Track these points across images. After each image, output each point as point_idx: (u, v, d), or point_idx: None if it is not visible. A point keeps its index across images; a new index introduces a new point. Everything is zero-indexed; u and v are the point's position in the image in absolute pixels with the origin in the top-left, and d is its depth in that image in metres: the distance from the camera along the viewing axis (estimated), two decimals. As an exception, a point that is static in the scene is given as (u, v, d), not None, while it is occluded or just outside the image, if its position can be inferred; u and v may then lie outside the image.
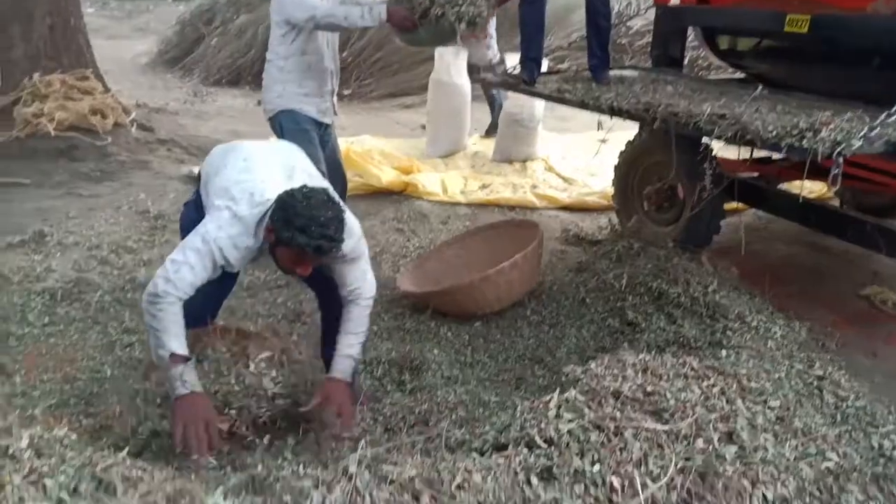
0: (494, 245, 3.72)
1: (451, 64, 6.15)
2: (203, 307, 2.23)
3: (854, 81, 3.15)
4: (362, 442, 1.68)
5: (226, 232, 2.06)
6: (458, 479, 1.45)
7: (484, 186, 5.54)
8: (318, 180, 2.31)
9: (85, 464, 1.36)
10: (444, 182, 5.46)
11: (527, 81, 3.82)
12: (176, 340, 2.04)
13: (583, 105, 3.48)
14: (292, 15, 3.25)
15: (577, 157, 6.36)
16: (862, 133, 2.35)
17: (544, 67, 4.52)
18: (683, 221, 3.92)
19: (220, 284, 2.24)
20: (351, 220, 2.21)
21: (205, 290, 2.12)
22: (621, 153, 4.38)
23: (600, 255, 3.64)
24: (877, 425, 2.32)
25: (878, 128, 2.39)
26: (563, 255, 4.26)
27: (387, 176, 5.41)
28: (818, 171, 3.95)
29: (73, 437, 1.55)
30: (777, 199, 3.91)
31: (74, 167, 5.55)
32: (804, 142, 2.38)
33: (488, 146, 6.52)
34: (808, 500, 1.89)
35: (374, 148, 6.06)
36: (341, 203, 2.12)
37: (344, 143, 5.71)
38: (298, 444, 2.07)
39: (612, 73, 4.07)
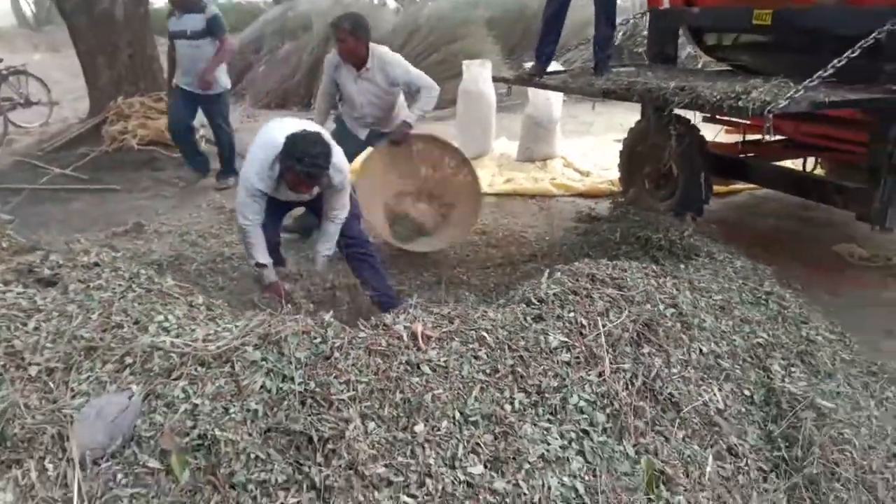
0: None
1: (479, 75, 6.96)
2: (272, 227, 3.37)
3: (810, 63, 3.78)
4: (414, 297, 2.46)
5: (253, 170, 3.06)
6: (479, 314, 2.21)
7: (508, 181, 6.30)
8: (316, 128, 3.20)
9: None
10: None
11: (536, 75, 4.56)
12: (259, 253, 3.20)
13: (581, 91, 4.23)
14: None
15: (596, 155, 7.09)
16: (788, 94, 3.05)
17: (557, 67, 5.27)
18: (678, 194, 4.62)
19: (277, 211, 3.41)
20: (340, 159, 3.16)
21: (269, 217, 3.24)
22: (625, 138, 5.11)
23: (602, 221, 4.36)
24: (808, 323, 2.98)
25: (802, 91, 3.08)
26: (576, 229, 4.98)
27: (423, 172, 6.20)
28: (805, 148, 4.64)
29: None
30: (756, 170, 4.58)
31: (156, 175, 6.49)
32: (739, 102, 3.08)
33: (512, 148, 7.29)
34: (740, 362, 2.58)
35: (411, 150, 6.86)
36: (331, 143, 3.05)
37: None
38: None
39: (614, 70, 4.79)
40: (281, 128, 3.11)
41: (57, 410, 1.82)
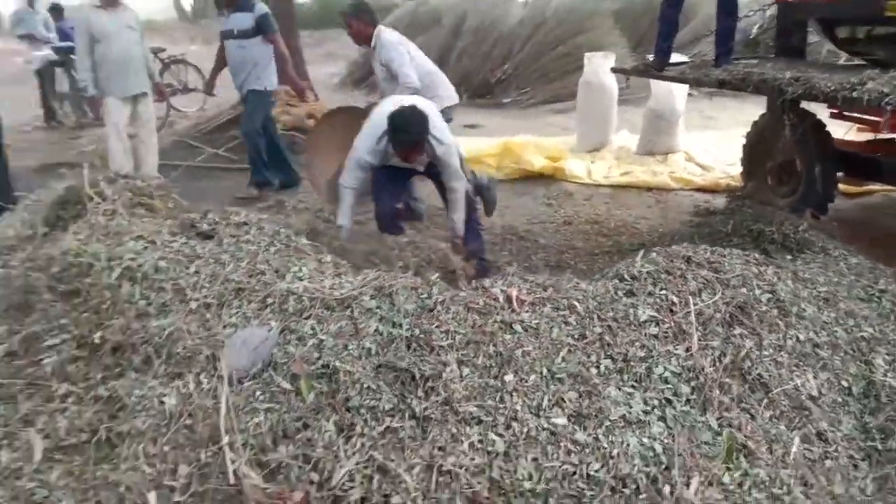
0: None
1: (600, 67, 7.00)
2: (392, 196, 3.91)
3: None
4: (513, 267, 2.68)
5: (363, 145, 3.53)
6: (571, 284, 2.39)
7: (625, 173, 6.32)
8: (420, 103, 3.55)
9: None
10: (589, 168, 6.32)
11: (655, 68, 4.61)
12: (343, 215, 3.71)
13: (697, 82, 4.24)
14: None
15: (719, 150, 6.93)
16: (909, 86, 2.95)
17: (676, 59, 5.25)
18: (800, 190, 4.50)
19: (396, 182, 3.89)
20: (440, 131, 3.52)
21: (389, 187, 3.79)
22: (748, 132, 5.01)
23: (717, 214, 4.34)
24: (924, 324, 2.88)
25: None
26: (690, 222, 4.96)
27: (539, 162, 6.37)
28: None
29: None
30: (889, 170, 4.36)
31: (296, 158, 7.07)
32: (854, 93, 3.01)
33: (633, 141, 7.26)
34: (840, 354, 2.57)
35: (530, 141, 7.04)
36: (430, 116, 3.41)
37: (503, 140, 6.80)
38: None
39: (735, 62, 4.73)
40: (389, 107, 3.53)
41: (211, 337, 2.21)
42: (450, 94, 4.50)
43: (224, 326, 2.24)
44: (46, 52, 8.87)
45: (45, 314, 2.45)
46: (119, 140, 5.26)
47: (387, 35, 4.37)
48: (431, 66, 4.51)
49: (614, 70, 6.00)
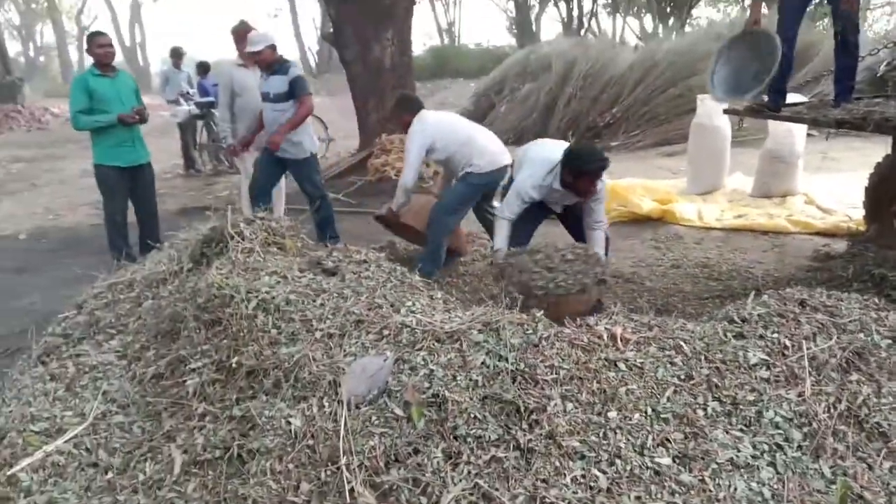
0: None
1: (713, 109, 6.89)
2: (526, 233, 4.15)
3: None
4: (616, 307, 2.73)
5: (529, 182, 3.84)
6: (678, 325, 2.41)
7: (739, 216, 6.14)
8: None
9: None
10: (700, 210, 6.20)
11: (771, 108, 4.52)
12: (499, 240, 3.96)
13: (814, 122, 4.11)
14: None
15: (842, 193, 6.59)
16: None
17: (794, 98, 5.10)
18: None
19: (532, 222, 4.16)
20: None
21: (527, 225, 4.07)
22: (872, 173, 4.78)
23: (837, 258, 4.16)
24: None
25: None
26: (809, 267, 4.76)
27: (647, 205, 6.33)
28: None
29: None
30: None
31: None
32: None
33: (747, 184, 7.05)
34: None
35: (637, 183, 7.01)
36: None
37: (611, 182, 6.81)
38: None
39: (856, 100, 4.54)
40: (549, 147, 4.02)
41: (333, 364, 2.41)
42: (491, 160, 4.51)
43: (345, 355, 2.44)
44: (189, 107, 9.85)
45: (189, 340, 2.76)
46: (252, 186, 5.76)
47: (415, 123, 4.55)
48: (467, 136, 4.58)
49: (727, 112, 5.89)
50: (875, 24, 21.85)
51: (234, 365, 2.56)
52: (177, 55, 10.47)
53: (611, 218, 6.26)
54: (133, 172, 5.09)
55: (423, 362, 2.33)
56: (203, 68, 10.20)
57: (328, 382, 2.33)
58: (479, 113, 13.46)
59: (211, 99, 9.57)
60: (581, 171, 3.62)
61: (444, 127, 4.60)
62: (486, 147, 4.58)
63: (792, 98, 5.25)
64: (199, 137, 10.06)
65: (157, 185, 5.64)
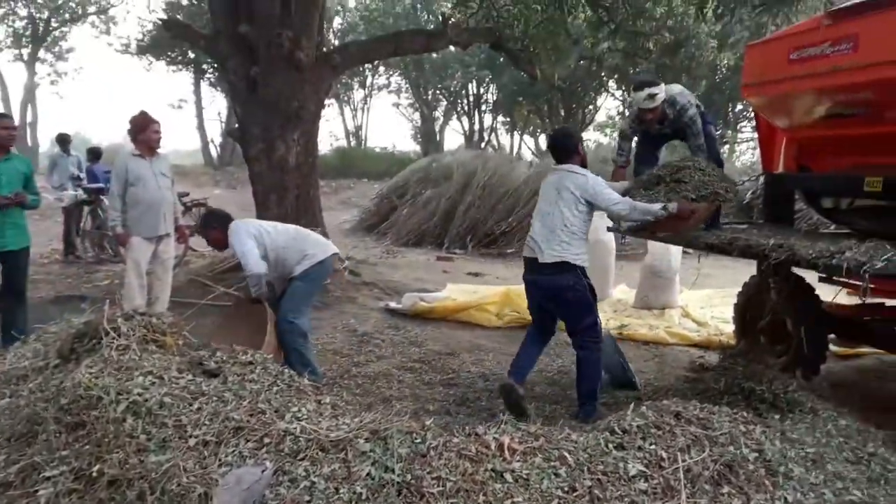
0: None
1: (599, 225, 7.35)
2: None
3: None
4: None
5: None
6: (563, 435, 2.45)
7: (622, 326, 6.46)
8: None
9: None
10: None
11: (648, 230, 4.87)
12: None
13: (688, 244, 4.47)
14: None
15: (716, 307, 7.12)
16: (886, 256, 3.14)
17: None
18: (792, 351, 4.60)
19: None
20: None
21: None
22: (741, 290, 5.20)
23: (710, 371, 4.41)
24: (915, 489, 2.87)
25: (901, 254, 3.17)
26: (686, 378, 5.02)
27: (539, 312, 6.53)
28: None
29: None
30: (877, 333, 4.49)
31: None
32: (833, 261, 3.20)
33: (631, 295, 7.48)
34: (831, 517, 2.56)
35: (531, 291, 7.24)
36: None
37: (504, 289, 7.03)
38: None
39: (727, 227, 5.00)
40: None
41: (206, 475, 2.25)
42: (324, 248, 4.45)
43: (220, 465, 2.29)
44: (77, 192, 9.43)
45: (47, 445, 2.51)
46: (137, 276, 5.49)
47: (232, 228, 4.33)
48: (294, 230, 4.53)
49: (610, 229, 6.33)
50: (741, 156, 24.52)
51: (94, 474, 2.33)
52: (63, 142, 10.15)
53: (504, 323, 6.44)
54: (2, 256, 4.78)
55: (304, 473, 2.22)
56: (94, 154, 9.89)
57: (199, 495, 2.17)
58: (382, 214, 13.70)
59: (100, 185, 9.23)
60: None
61: (265, 226, 4.45)
62: (317, 238, 4.56)
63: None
64: (83, 224, 9.58)
65: (32, 269, 5.29)
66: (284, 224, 4.68)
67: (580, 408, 4.02)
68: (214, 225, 4.41)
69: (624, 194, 4.18)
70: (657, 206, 3.95)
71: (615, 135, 28.36)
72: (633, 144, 5.08)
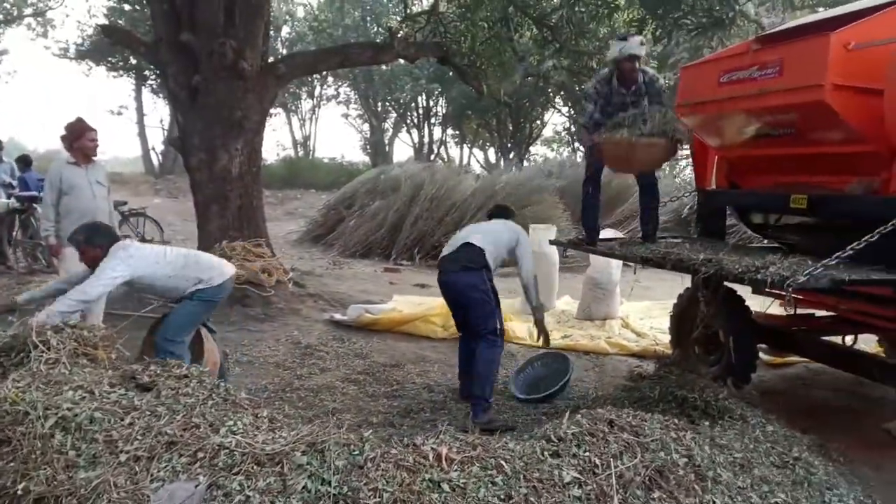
0: None
1: (542, 238, 7.50)
2: None
3: (846, 245, 3.99)
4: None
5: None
6: (500, 444, 2.49)
7: (566, 336, 6.59)
8: None
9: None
10: (531, 330, 6.55)
11: (587, 243, 5.02)
12: None
13: (624, 257, 4.62)
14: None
15: (654, 318, 7.33)
16: (808, 271, 3.32)
17: (610, 234, 5.71)
18: (723, 360, 4.78)
19: None
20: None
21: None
22: (674, 305, 5.38)
23: (646, 380, 4.54)
24: (833, 489, 3.03)
25: (821, 269, 3.35)
26: (624, 387, 5.15)
27: (484, 324, 6.60)
28: (853, 324, 4.74)
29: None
30: (803, 343, 4.71)
31: (245, 311, 7.18)
32: (758, 275, 3.37)
33: (574, 307, 7.63)
34: (757, 519, 2.68)
35: (476, 303, 7.32)
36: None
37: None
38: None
39: (663, 241, 5.18)
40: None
41: (137, 491, 2.20)
42: (220, 272, 4.19)
43: (151, 480, 2.25)
44: (10, 201, 9.07)
45: (-32, 463, 2.41)
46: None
47: (116, 249, 3.89)
48: (180, 264, 4.08)
49: (552, 242, 6.47)
50: (682, 172, 25.31)
51: (20, 492, 2.25)
52: None
53: (450, 334, 6.47)
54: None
55: (239, 488, 2.19)
56: (24, 161, 9.55)
57: (130, 512, 2.12)
58: (329, 225, 13.61)
59: (34, 193, 8.90)
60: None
61: (151, 255, 4.03)
62: (212, 261, 4.29)
63: (608, 233, 5.87)
64: (15, 233, 9.21)
65: (-42, 281, 5.04)
66: (176, 250, 4.31)
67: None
68: (99, 242, 3.90)
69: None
70: (536, 301, 4.61)
71: (561, 149, 28.97)
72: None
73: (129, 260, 3.83)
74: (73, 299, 3.53)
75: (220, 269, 4.23)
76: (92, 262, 3.91)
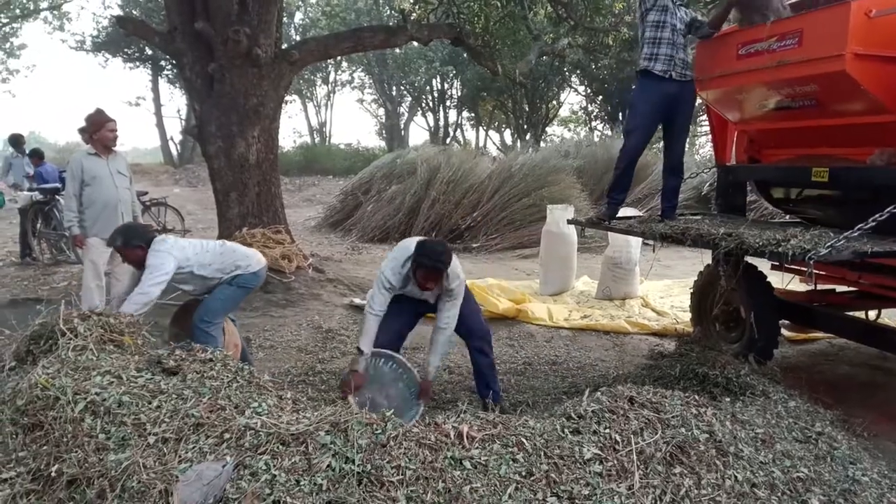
0: None
1: (561, 218, 7.48)
2: (392, 336, 3.99)
3: (868, 217, 3.92)
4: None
5: (388, 267, 3.79)
6: (520, 422, 2.51)
7: (585, 317, 6.58)
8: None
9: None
10: (551, 311, 6.57)
11: (605, 219, 4.97)
12: (365, 341, 3.73)
13: (643, 235, 4.59)
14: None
15: (674, 297, 7.29)
16: (829, 243, 3.28)
17: (629, 212, 5.67)
18: (745, 337, 4.75)
19: (400, 318, 4.01)
20: (457, 267, 3.79)
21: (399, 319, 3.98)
22: (696, 279, 5.34)
23: (667, 358, 4.54)
24: (856, 463, 3.02)
25: (843, 241, 3.30)
26: (645, 366, 5.15)
27: (503, 305, 6.62)
28: (876, 298, 4.68)
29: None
30: (826, 318, 4.66)
31: (267, 297, 7.26)
32: (779, 248, 3.33)
33: (593, 287, 7.61)
34: (778, 494, 2.68)
35: (494, 283, 7.34)
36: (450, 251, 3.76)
37: (469, 282, 7.10)
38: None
39: (682, 218, 5.13)
40: (413, 240, 3.87)
41: (166, 471, 2.26)
42: (257, 260, 4.35)
43: (180, 461, 2.30)
44: (33, 193, 9.21)
45: (3, 447, 2.48)
46: (95, 277, 5.42)
47: (156, 244, 4.01)
48: (221, 245, 4.31)
49: (570, 222, 6.45)
50: (702, 149, 25.01)
51: (53, 474, 2.32)
52: (17, 143, 9.96)
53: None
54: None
55: (265, 467, 2.24)
56: (37, 155, 9.67)
57: (159, 492, 2.17)
58: (346, 211, 13.66)
59: (56, 185, 9.04)
60: (417, 262, 3.64)
61: (189, 247, 4.15)
62: (247, 251, 4.39)
63: (627, 212, 5.83)
64: (38, 225, 9.37)
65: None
66: (212, 241, 4.40)
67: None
68: (138, 243, 3.97)
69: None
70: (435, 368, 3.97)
71: (578, 129, 28.66)
72: None
73: (174, 251, 4.01)
74: (138, 302, 3.68)
75: (255, 257, 4.39)
76: (136, 262, 4.04)
